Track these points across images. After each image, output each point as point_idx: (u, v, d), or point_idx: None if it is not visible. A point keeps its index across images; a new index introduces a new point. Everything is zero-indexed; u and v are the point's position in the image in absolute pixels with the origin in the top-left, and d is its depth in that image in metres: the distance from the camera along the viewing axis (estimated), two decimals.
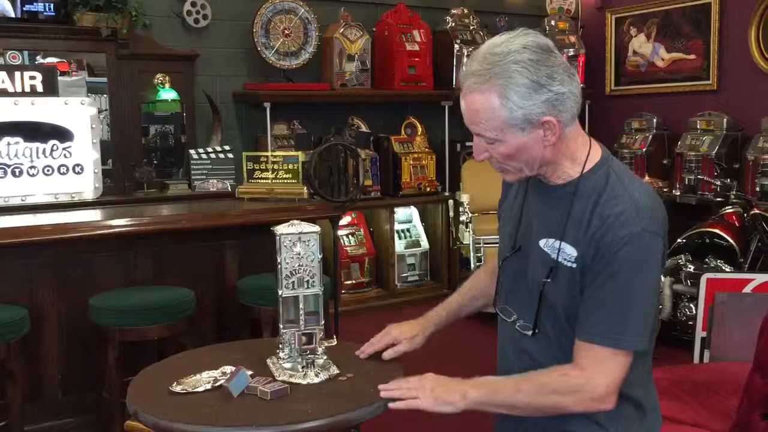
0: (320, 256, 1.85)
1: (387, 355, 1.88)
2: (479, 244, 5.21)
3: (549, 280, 1.54)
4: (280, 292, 1.83)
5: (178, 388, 1.77)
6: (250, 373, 1.78)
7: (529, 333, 1.60)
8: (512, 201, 1.73)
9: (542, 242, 1.57)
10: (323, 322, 1.86)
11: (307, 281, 1.85)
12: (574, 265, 1.51)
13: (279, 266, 1.83)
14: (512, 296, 1.69)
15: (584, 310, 1.49)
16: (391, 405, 1.65)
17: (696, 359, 3.40)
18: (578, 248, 1.50)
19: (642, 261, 1.45)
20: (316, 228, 1.86)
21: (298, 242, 1.83)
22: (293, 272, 1.84)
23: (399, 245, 5.88)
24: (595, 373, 1.47)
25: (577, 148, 1.55)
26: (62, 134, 4.35)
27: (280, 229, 1.85)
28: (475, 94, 1.47)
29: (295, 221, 1.87)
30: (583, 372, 1.48)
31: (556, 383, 1.50)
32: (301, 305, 1.84)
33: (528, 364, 1.61)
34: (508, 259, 1.69)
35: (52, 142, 4.30)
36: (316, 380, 1.80)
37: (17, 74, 4.32)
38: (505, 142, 1.49)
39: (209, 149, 4.95)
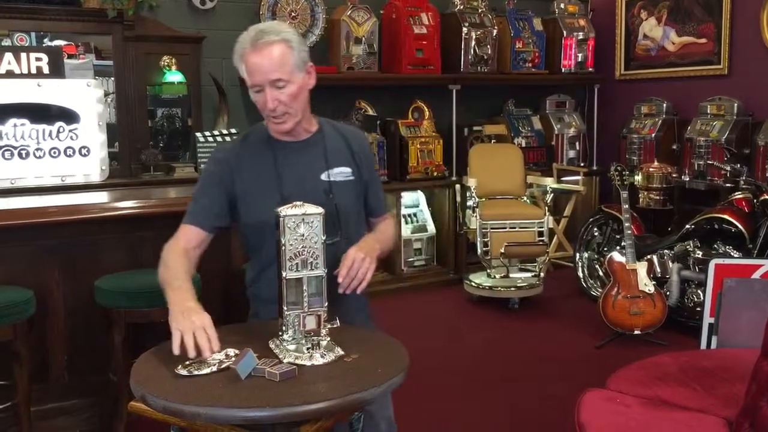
0: (324, 238, 1.84)
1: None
2: (486, 228, 5.18)
3: (332, 194, 2.12)
4: (283, 274, 1.82)
5: (183, 371, 1.76)
6: (256, 355, 1.77)
7: (338, 239, 2.08)
8: (255, 172, 2.19)
9: (323, 175, 2.15)
10: (326, 303, 1.85)
11: (311, 263, 1.83)
12: (353, 178, 2.20)
13: (282, 248, 1.81)
14: None
15: (376, 198, 2.31)
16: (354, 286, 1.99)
17: (703, 345, 3.38)
18: (351, 166, 2.20)
19: None
20: (320, 209, 1.84)
21: (301, 224, 1.82)
22: (297, 254, 1.82)
23: (405, 230, 5.86)
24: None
25: (308, 106, 2.15)
26: (68, 116, 4.34)
27: (284, 210, 1.83)
28: (272, 47, 2.00)
29: (298, 202, 1.85)
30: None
31: (393, 228, 2.38)
32: (304, 287, 1.83)
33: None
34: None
35: (58, 124, 4.30)
36: (322, 361, 1.79)
37: (23, 55, 4.31)
38: (294, 82, 2.03)
39: (216, 132, 4.93)
